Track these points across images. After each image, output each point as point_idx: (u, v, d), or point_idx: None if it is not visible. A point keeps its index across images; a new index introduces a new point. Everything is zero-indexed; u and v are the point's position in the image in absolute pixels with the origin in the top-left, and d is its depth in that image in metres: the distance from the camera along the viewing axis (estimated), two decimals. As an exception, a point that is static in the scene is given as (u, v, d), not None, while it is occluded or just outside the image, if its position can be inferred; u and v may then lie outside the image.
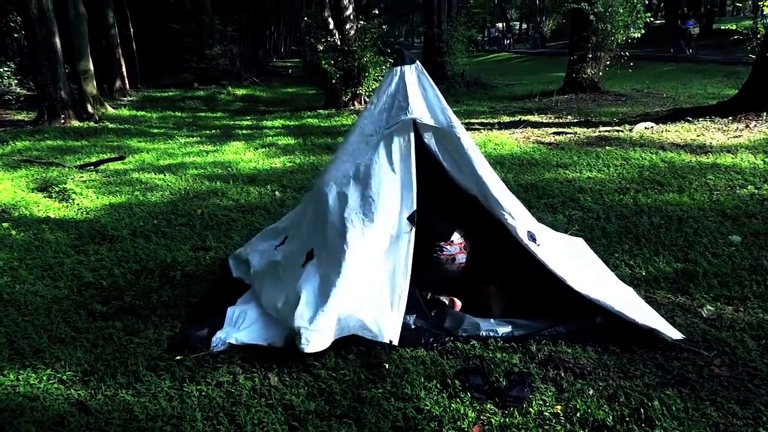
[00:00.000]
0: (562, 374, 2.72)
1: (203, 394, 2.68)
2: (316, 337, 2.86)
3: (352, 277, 3.03)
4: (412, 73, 3.22)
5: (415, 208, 3.08)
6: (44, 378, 2.84)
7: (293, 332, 2.90)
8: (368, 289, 3.05)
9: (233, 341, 3.06)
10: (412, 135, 3.15)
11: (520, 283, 3.33)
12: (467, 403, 2.54)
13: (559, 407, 2.49)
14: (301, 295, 3.04)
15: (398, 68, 3.23)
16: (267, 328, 3.19)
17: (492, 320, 3.14)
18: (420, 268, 3.19)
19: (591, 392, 2.58)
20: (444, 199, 3.44)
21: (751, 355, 2.81)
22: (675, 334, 2.90)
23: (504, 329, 3.07)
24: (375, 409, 2.52)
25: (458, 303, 3.33)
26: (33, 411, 2.59)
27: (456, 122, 3.21)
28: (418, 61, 3.28)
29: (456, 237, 3.48)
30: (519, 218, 3.16)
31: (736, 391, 2.55)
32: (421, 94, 3.20)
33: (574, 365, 2.76)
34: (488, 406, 2.52)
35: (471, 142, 3.26)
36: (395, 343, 2.91)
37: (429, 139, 3.19)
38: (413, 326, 3.15)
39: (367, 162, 3.19)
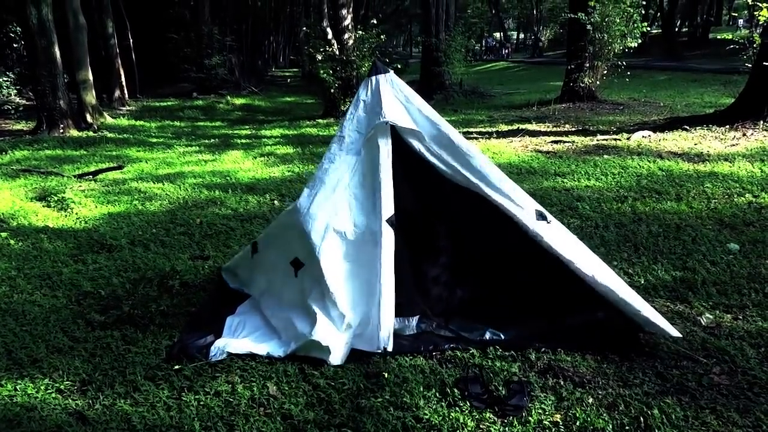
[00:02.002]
0: (562, 383, 2.71)
1: (201, 403, 2.67)
2: (338, 349, 2.94)
3: (344, 288, 3.05)
4: (387, 82, 3.26)
5: (393, 211, 3.08)
6: (42, 388, 2.83)
7: (315, 345, 2.93)
8: (358, 297, 3.06)
9: (232, 350, 3.06)
10: (389, 139, 3.17)
11: (522, 279, 3.31)
12: (466, 412, 2.54)
13: (558, 416, 2.49)
14: (315, 310, 3.05)
15: (373, 78, 3.28)
16: (266, 337, 3.19)
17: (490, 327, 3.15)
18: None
19: (590, 401, 2.57)
20: (432, 199, 3.43)
21: (751, 363, 2.81)
22: (674, 332, 2.89)
23: (506, 333, 3.07)
24: (374, 418, 2.51)
25: None
26: (30, 421, 2.58)
27: (440, 120, 3.22)
28: (391, 71, 3.33)
29: None
30: (524, 201, 3.13)
31: (735, 400, 2.55)
32: (396, 100, 3.24)
33: (574, 374, 2.76)
34: (487, 414, 2.51)
35: (460, 138, 3.25)
36: (390, 349, 2.91)
37: (413, 141, 3.20)
38: (416, 330, 3.17)
39: (346, 169, 3.20)
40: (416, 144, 3.20)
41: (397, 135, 3.19)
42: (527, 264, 3.14)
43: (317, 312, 3.03)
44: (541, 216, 3.09)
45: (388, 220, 3.06)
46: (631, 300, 2.92)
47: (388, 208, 3.08)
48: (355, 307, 3.04)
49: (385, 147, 3.16)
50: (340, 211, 3.14)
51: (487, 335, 3.09)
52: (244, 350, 3.06)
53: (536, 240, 3.03)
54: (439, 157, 3.19)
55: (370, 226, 3.09)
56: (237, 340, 3.17)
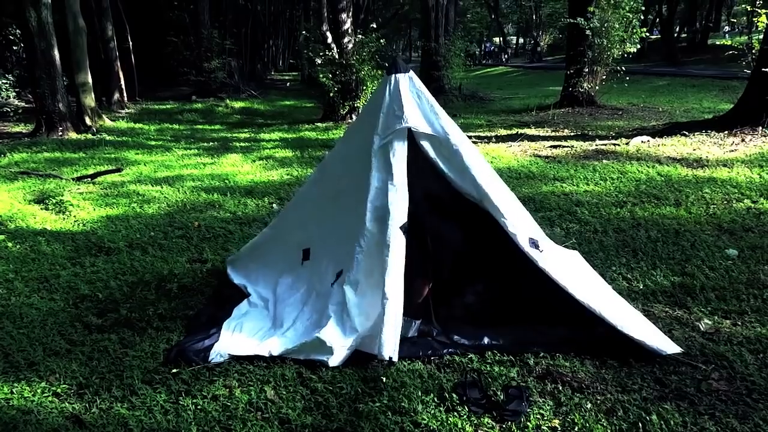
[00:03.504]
0: (560, 388, 2.71)
1: (199, 407, 2.66)
2: (342, 352, 2.95)
3: (365, 295, 3.07)
4: (406, 82, 3.20)
5: (406, 218, 3.06)
6: (38, 391, 2.82)
7: (317, 345, 2.95)
8: (370, 304, 3.05)
9: (233, 352, 3.04)
10: (405, 144, 3.13)
11: (522, 289, 3.31)
12: (465, 417, 2.53)
13: (557, 421, 2.48)
14: (331, 315, 3.06)
15: (392, 76, 3.21)
16: (265, 338, 3.18)
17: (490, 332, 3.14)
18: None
19: (589, 406, 2.56)
20: (444, 206, 3.43)
21: (749, 369, 2.80)
22: (672, 348, 2.90)
23: (505, 339, 3.07)
24: (372, 423, 2.50)
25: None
26: (27, 425, 2.57)
27: (451, 129, 3.19)
28: (411, 70, 3.27)
29: None
30: (521, 225, 3.14)
31: (734, 406, 2.54)
32: (415, 102, 3.19)
33: (572, 379, 2.75)
34: (486, 420, 2.51)
35: (470, 147, 3.25)
36: (395, 359, 2.88)
37: (427, 146, 3.18)
38: (417, 333, 3.18)
39: (365, 172, 3.16)
40: (430, 150, 3.18)
41: (412, 138, 3.16)
42: (527, 277, 3.13)
43: (332, 316, 3.04)
44: (534, 244, 3.09)
45: (401, 227, 3.03)
46: (628, 326, 2.92)
47: (401, 214, 3.05)
48: (366, 313, 3.03)
49: (402, 152, 3.12)
50: (360, 219, 3.13)
51: (485, 340, 3.08)
52: (244, 352, 3.05)
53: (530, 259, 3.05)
54: (449, 166, 3.18)
55: (382, 232, 3.04)
56: (236, 342, 3.16)
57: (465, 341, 3.10)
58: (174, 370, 2.94)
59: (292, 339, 3.10)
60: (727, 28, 28.11)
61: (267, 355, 3.01)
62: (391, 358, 2.86)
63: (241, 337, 3.23)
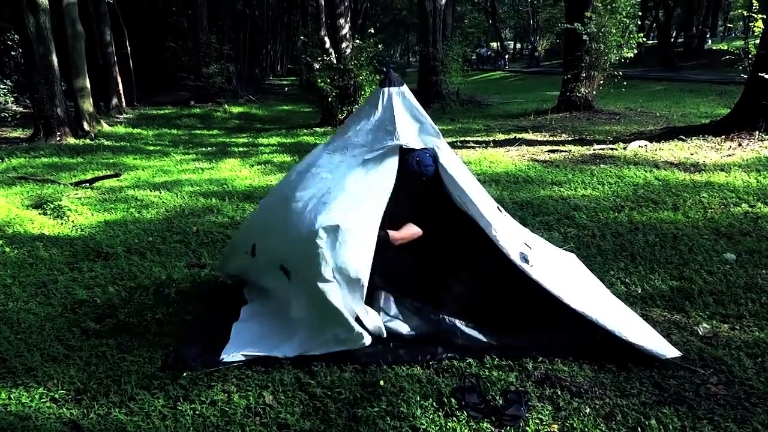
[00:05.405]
0: (559, 392, 2.70)
1: (197, 412, 2.65)
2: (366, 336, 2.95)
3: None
4: (399, 96, 3.18)
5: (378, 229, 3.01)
6: (36, 397, 2.81)
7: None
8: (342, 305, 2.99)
9: (247, 353, 3.01)
10: (396, 158, 3.11)
11: (519, 293, 3.31)
12: (463, 421, 2.53)
13: (555, 426, 2.48)
14: (302, 314, 3.04)
15: (385, 89, 3.18)
16: (275, 341, 3.14)
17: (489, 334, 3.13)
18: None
19: (588, 411, 2.56)
20: (439, 218, 3.42)
21: (748, 373, 2.80)
22: (671, 352, 2.90)
23: (503, 342, 3.07)
24: (370, 428, 2.50)
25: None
26: (24, 430, 2.56)
27: (441, 146, 3.20)
28: (405, 84, 3.25)
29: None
30: (510, 241, 3.13)
31: (733, 410, 2.54)
32: (408, 118, 3.17)
33: (571, 383, 2.75)
34: (485, 424, 2.50)
35: (458, 164, 3.26)
36: (384, 335, 2.85)
37: None
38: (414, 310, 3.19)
39: (343, 180, 3.12)
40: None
41: (404, 152, 3.15)
42: (524, 284, 3.12)
43: (308, 320, 3.01)
44: (524, 259, 3.10)
45: (379, 234, 3.00)
46: (626, 331, 2.92)
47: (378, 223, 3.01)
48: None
49: (394, 166, 3.09)
50: (336, 221, 3.09)
51: (484, 341, 3.07)
52: (258, 353, 3.01)
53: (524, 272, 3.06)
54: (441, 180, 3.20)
55: (359, 237, 2.96)
56: (245, 345, 3.11)
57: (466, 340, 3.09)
58: (172, 376, 2.93)
59: (304, 340, 3.05)
60: (708, 35, 28.42)
61: (281, 357, 2.98)
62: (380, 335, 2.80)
63: (247, 340, 3.18)
